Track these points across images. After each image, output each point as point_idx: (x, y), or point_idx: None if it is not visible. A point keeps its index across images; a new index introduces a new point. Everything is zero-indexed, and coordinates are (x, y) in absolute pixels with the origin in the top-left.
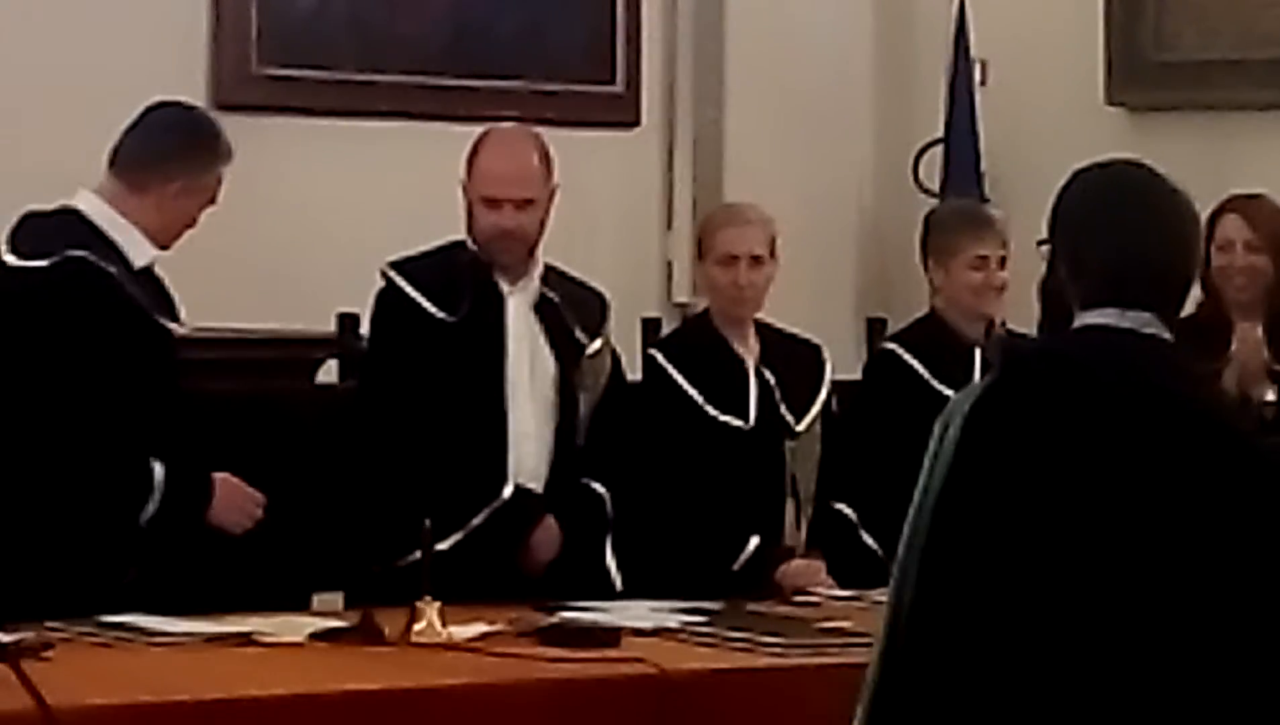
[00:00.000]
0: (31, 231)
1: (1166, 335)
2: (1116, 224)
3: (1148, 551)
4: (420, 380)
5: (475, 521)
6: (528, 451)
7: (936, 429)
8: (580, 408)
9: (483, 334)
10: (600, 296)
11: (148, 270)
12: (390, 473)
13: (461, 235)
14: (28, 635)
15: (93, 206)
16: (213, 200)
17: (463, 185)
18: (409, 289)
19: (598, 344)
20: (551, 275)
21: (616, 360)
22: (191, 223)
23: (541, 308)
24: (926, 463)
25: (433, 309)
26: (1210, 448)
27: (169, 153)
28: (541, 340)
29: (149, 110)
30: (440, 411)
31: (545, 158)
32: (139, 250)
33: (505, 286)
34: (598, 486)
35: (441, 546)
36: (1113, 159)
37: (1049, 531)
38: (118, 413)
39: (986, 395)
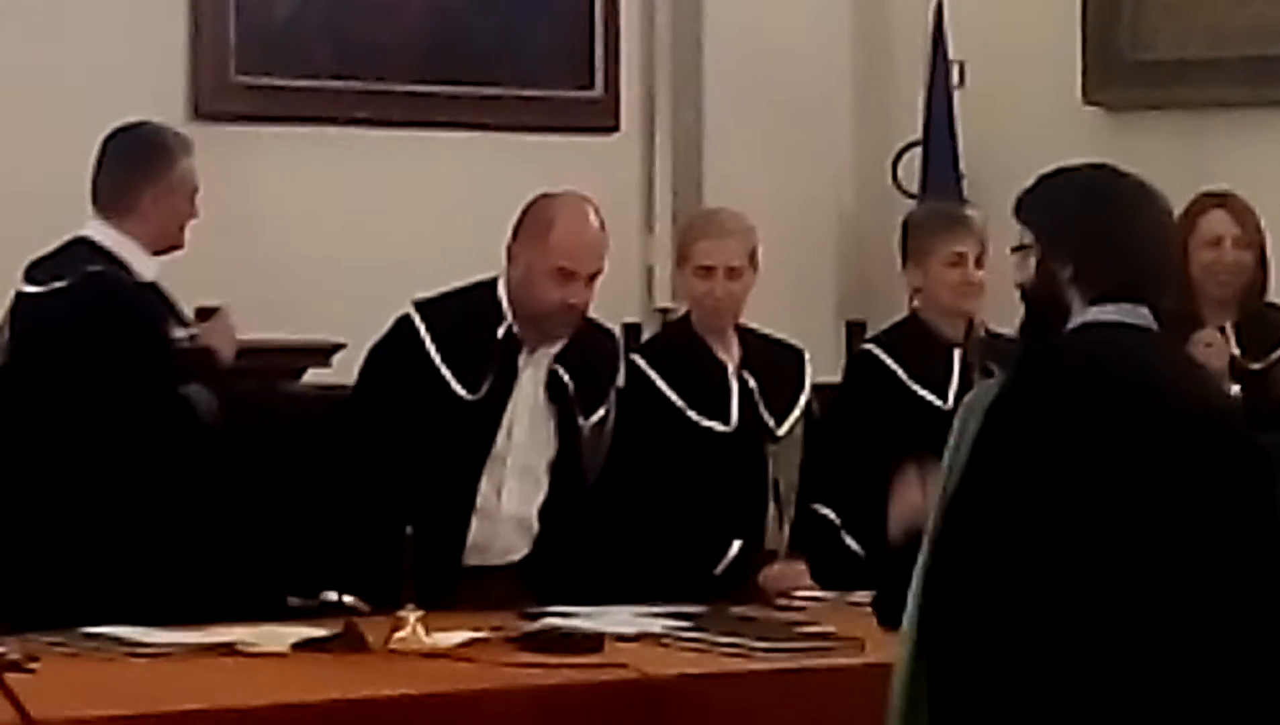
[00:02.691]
0: (48, 261)
1: (1156, 326)
2: (1124, 228)
3: (1161, 551)
4: (408, 437)
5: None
6: (507, 528)
7: (955, 424)
8: (583, 481)
9: (488, 411)
10: (611, 339)
11: (153, 284)
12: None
13: (488, 272)
14: (12, 648)
15: (99, 232)
16: (195, 188)
17: (509, 250)
18: (434, 355)
19: (599, 414)
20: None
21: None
22: (186, 216)
23: (551, 386)
24: (945, 459)
25: (455, 384)
26: (1215, 444)
27: (130, 171)
28: (547, 419)
29: (105, 145)
30: (415, 476)
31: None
32: (144, 265)
33: (522, 357)
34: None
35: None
36: (1086, 163)
37: (1064, 528)
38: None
39: (1006, 393)
